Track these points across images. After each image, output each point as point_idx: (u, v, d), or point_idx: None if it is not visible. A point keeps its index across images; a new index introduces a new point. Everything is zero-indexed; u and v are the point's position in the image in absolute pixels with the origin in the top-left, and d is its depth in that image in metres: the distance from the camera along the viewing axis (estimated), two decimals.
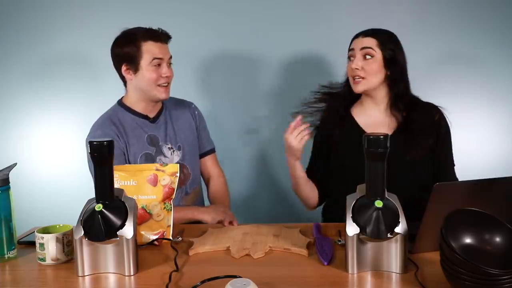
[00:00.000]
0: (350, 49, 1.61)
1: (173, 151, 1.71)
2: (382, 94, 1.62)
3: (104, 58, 2.28)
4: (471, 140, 2.12)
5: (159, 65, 1.63)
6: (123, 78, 1.71)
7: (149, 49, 1.62)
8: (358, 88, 1.59)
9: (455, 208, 1.00)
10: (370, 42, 1.56)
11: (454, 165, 1.66)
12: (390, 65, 1.57)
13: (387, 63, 1.56)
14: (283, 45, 2.16)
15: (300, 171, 1.61)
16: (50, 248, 1.17)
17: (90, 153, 1.09)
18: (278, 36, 2.16)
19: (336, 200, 1.60)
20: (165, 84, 1.65)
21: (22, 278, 1.14)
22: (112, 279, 1.10)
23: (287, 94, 2.20)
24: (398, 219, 1.05)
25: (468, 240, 1.01)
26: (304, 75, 2.18)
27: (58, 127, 2.28)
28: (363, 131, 1.61)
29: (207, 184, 1.88)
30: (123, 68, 1.66)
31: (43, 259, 1.18)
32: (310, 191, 1.68)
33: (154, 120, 1.72)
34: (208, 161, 1.86)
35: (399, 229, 1.04)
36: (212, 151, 1.88)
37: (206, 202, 1.89)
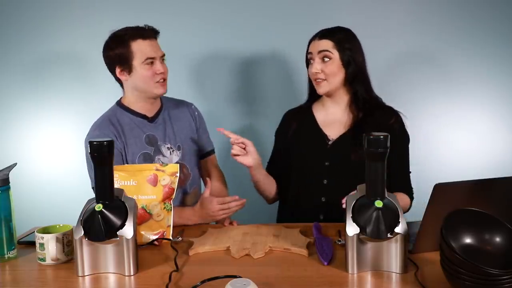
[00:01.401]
0: (308, 53, 1.62)
1: (172, 151, 1.71)
2: (341, 94, 1.63)
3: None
4: (471, 140, 2.12)
5: (152, 63, 1.63)
6: (118, 80, 1.70)
7: (140, 48, 1.61)
8: (320, 90, 1.61)
9: (455, 208, 1.00)
10: (327, 44, 1.57)
11: (407, 171, 1.62)
12: (348, 65, 1.57)
13: (345, 63, 1.57)
14: (282, 44, 2.16)
15: (255, 176, 1.62)
16: (50, 248, 1.17)
17: (90, 153, 1.08)
18: (277, 35, 2.15)
19: (288, 189, 1.68)
20: (161, 80, 1.65)
21: (22, 278, 1.14)
22: (112, 279, 1.10)
23: (286, 93, 2.20)
24: (398, 219, 1.05)
25: (468, 240, 1.01)
26: (303, 74, 2.18)
27: (58, 127, 2.28)
28: (319, 127, 1.65)
29: (206, 185, 1.87)
30: (117, 70, 1.65)
31: (43, 259, 1.18)
32: (268, 189, 1.70)
33: (152, 119, 1.71)
34: (208, 162, 1.86)
35: (399, 229, 1.04)
36: (212, 152, 1.88)
37: None
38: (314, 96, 1.71)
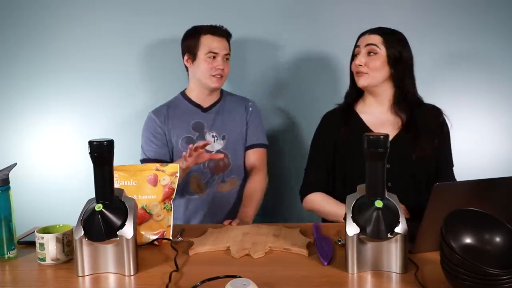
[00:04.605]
0: (356, 46, 1.63)
1: (217, 139, 1.83)
2: (386, 93, 1.63)
3: (104, 58, 2.28)
4: (471, 140, 2.12)
5: (214, 57, 1.79)
6: (186, 67, 1.89)
7: (207, 42, 1.80)
8: (360, 82, 1.60)
9: (455, 208, 1.00)
10: (375, 39, 1.58)
11: (453, 165, 1.68)
12: (394, 64, 1.57)
13: (392, 61, 1.57)
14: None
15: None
16: (50, 248, 1.17)
17: (90, 153, 1.09)
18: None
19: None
20: (218, 76, 1.81)
21: (22, 278, 1.14)
22: (112, 279, 1.10)
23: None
24: (398, 219, 1.05)
25: (468, 240, 1.01)
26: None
27: (58, 127, 2.28)
28: (370, 130, 1.62)
29: (247, 178, 1.92)
30: (185, 57, 1.85)
31: (43, 259, 1.18)
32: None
33: (206, 110, 1.87)
34: (252, 154, 1.91)
35: (399, 229, 1.04)
36: (259, 145, 1.91)
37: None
38: (355, 96, 1.68)
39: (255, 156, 1.90)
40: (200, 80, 1.84)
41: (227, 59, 1.85)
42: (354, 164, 1.57)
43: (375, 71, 1.57)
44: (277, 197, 2.24)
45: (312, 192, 1.67)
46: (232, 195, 1.90)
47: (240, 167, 1.90)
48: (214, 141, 1.84)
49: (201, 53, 1.80)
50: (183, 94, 1.92)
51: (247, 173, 1.93)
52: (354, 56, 1.64)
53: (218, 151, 1.83)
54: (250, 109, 1.94)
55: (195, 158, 1.60)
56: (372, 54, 1.57)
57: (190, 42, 1.83)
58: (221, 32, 1.82)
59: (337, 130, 1.65)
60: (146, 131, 1.87)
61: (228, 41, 1.86)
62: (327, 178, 1.67)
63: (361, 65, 1.58)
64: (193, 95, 1.89)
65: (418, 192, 1.58)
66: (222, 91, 1.95)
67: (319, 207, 1.64)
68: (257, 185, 1.86)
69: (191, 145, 1.59)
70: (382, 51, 1.56)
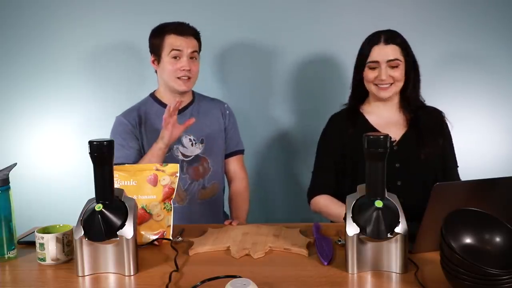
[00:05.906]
0: (372, 61, 1.57)
1: (195, 143, 1.75)
2: (393, 96, 1.63)
3: (104, 57, 2.28)
4: (471, 140, 2.12)
5: (178, 58, 1.68)
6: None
7: (170, 41, 1.69)
8: (386, 94, 1.60)
9: (455, 208, 1.00)
10: (395, 52, 1.56)
11: (457, 166, 1.69)
12: (409, 69, 1.59)
13: (408, 67, 1.58)
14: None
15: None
16: (50, 248, 1.17)
17: (90, 153, 1.08)
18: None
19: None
20: (184, 77, 1.69)
21: (22, 278, 1.14)
22: (112, 279, 1.10)
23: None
24: (398, 219, 1.05)
25: (468, 240, 1.01)
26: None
27: (58, 127, 2.28)
28: (376, 130, 1.63)
29: (229, 185, 1.89)
30: (151, 58, 1.75)
31: (43, 259, 1.18)
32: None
33: (180, 112, 1.74)
34: (233, 161, 1.86)
35: (399, 229, 1.04)
36: (239, 152, 1.88)
37: (226, 201, 1.91)
38: (359, 98, 1.69)
39: (237, 163, 1.87)
40: (166, 82, 1.73)
41: (194, 58, 1.73)
42: (360, 165, 1.56)
43: (398, 81, 1.59)
44: (276, 199, 2.24)
45: (319, 194, 1.66)
46: (218, 203, 1.84)
47: (220, 172, 1.83)
48: (192, 145, 1.75)
49: (165, 53, 1.69)
50: (153, 96, 1.81)
51: (227, 180, 1.89)
52: (364, 65, 1.60)
53: (197, 156, 1.75)
54: (227, 112, 1.86)
55: (172, 126, 1.54)
56: (395, 67, 1.57)
57: (155, 41, 1.72)
58: (186, 31, 1.70)
59: (344, 132, 1.66)
60: (116, 137, 1.71)
61: (198, 39, 1.74)
62: (335, 179, 1.67)
63: (385, 79, 1.57)
64: (164, 97, 1.78)
65: (426, 191, 1.58)
66: (193, 93, 1.86)
67: (325, 209, 1.64)
68: (243, 191, 1.83)
69: (168, 105, 1.53)
70: (402, 61, 1.57)
